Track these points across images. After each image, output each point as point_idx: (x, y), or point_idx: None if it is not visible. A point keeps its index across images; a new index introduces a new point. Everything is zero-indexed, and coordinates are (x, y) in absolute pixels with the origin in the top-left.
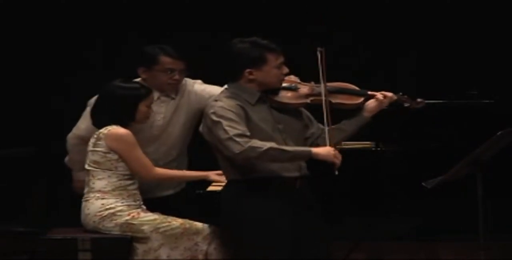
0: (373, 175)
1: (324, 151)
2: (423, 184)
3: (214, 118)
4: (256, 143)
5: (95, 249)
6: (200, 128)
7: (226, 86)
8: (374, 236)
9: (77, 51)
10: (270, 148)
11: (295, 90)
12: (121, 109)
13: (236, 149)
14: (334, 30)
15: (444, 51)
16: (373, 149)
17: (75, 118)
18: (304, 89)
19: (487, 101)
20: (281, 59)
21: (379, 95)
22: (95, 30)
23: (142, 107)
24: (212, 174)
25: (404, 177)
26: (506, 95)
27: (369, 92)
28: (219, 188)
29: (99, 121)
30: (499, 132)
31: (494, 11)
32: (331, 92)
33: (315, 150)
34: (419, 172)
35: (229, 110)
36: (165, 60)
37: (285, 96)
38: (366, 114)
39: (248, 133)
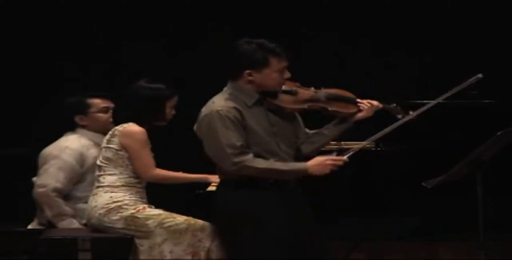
0: (373, 175)
1: (318, 165)
2: (423, 184)
3: (211, 123)
4: (251, 161)
5: (95, 249)
6: (195, 128)
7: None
8: (374, 236)
9: (71, 53)
10: (266, 169)
11: (294, 94)
12: (145, 109)
13: (229, 165)
14: (337, 30)
15: (444, 51)
16: (373, 149)
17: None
18: (303, 94)
19: (487, 101)
20: (284, 64)
21: (365, 103)
22: (92, 32)
23: (165, 108)
24: (212, 177)
25: (404, 177)
26: (506, 95)
27: (357, 100)
28: None
29: (119, 119)
30: (499, 132)
31: (495, 11)
32: (329, 99)
33: (311, 168)
34: (419, 172)
35: (226, 116)
36: (96, 101)
37: (284, 100)
38: (351, 120)
39: (242, 143)
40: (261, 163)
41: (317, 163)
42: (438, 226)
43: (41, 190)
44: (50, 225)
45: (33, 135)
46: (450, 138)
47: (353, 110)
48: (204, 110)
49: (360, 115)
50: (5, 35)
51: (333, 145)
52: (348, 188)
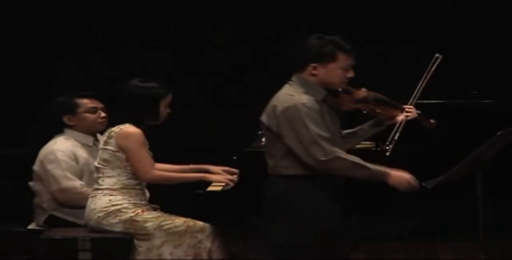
0: None
1: (399, 177)
2: (423, 184)
3: (296, 115)
4: (342, 153)
5: (95, 249)
6: (265, 120)
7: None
8: (374, 236)
9: (71, 53)
10: (354, 164)
11: (350, 93)
12: (140, 108)
13: (321, 155)
14: (339, 30)
15: (444, 51)
16: (373, 149)
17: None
18: (357, 94)
19: (487, 101)
20: (350, 62)
21: (412, 111)
22: (92, 31)
23: (160, 107)
24: (210, 175)
25: None
26: (506, 95)
27: (402, 106)
28: (219, 188)
29: (114, 120)
30: (499, 132)
31: (494, 11)
32: (376, 100)
33: (392, 177)
34: (419, 172)
35: (313, 108)
36: (84, 101)
37: (344, 99)
38: (386, 123)
39: (330, 136)
40: (351, 157)
41: (400, 175)
42: (438, 226)
43: (65, 194)
44: (48, 226)
45: (33, 135)
46: (450, 138)
47: (394, 114)
48: (282, 102)
49: (399, 118)
50: (5, 35)
51: None
52: (348, 188)
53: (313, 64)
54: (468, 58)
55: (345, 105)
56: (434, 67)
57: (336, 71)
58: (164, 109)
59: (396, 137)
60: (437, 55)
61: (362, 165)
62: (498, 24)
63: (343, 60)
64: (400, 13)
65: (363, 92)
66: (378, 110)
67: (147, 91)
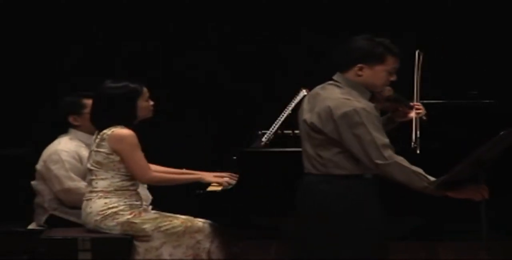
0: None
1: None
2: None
3: (356, 119)
4: (402, 160)
5: (95, 249)
6: (316, 121)
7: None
8: None
9: (71, 54)
10: (412, 172)
11: (380, 92)
12: (120, 109)
13: (379, 159)
14: (338, 30)
15: (444, 51)
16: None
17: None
18: (384, 93)
19: (487, 101)
20: (396, 65)
21: (421, 107)
22: (92, 32)
23: (141, 103)
24: (207, 176)
25: None
26: (506, 95)
27: (411, 103)
28: (219, 188)
29: (101, 124)
30: (501, 133)
31: (494, 11)
32: (395, 98)
33: (451, 193)
34: None
35: (372, 114)
36: (91, 102)
37: (377, 98)
38: (398, 120)
39: (389, 141)
40: (411, 166)
41: (464, 191)
42: (438, 226)
43: (68, 194)
44: (49, 226)
45: (33, 135)
46: (450, 138)
47: (407, 111)
48: (340, 107)
49: (411, 115)
50: (5, 35)
51: None
52: None
53: (360, 65)
54: (468, 58)
55: (381, 103)
56: (420, 63)
57: (382, 73)
58: (146, 104)
59: (418, 135)
60: (417, 51)
61: (422, 175)
62: (498, 24)
63: (391, 63)
64: (400, 13)
65: (388, 91)
66: (400, 108)
67: (122, 91)
